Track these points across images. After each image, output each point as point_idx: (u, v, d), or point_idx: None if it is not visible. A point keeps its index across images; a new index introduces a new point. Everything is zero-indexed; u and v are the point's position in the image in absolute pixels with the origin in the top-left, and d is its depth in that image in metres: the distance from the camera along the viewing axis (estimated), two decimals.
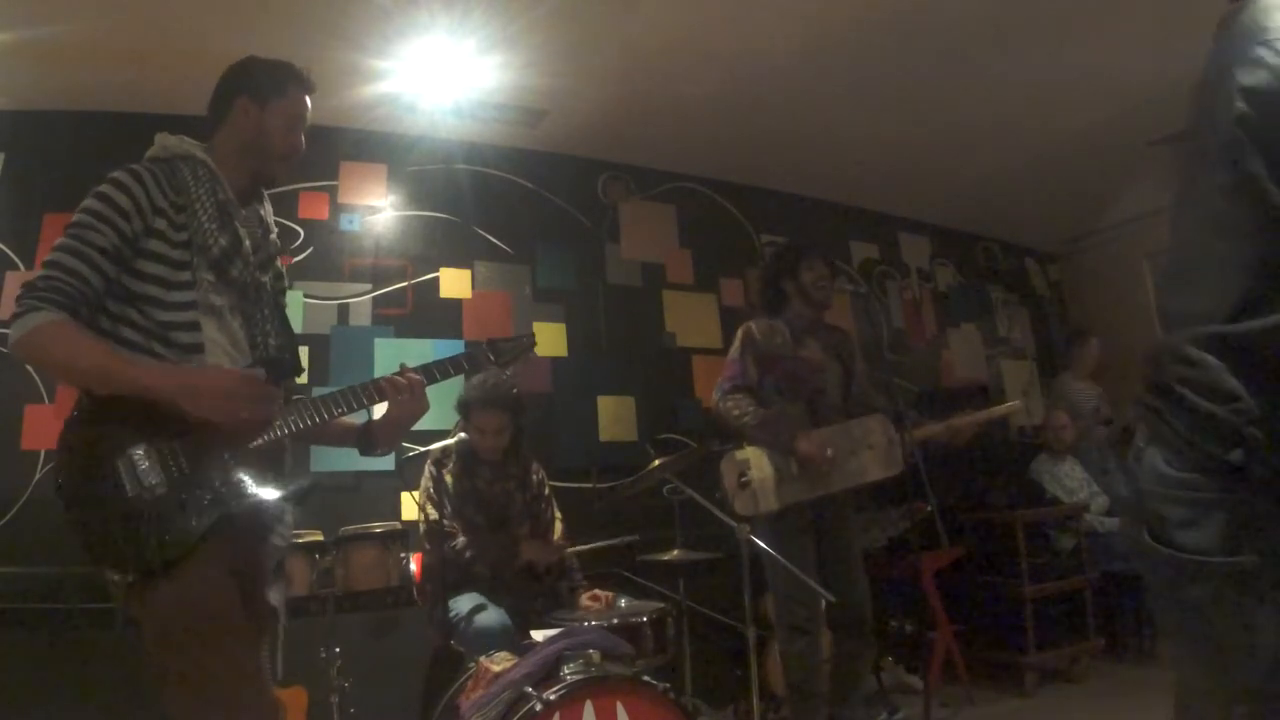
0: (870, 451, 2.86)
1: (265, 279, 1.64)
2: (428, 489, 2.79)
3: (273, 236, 1.69)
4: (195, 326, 1.48)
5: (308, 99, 1.68)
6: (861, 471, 2.84)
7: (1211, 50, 1.01)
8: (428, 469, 2.84)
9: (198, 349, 1.47)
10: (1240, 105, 0.91)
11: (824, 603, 2.69)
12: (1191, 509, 0.92)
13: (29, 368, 2.99)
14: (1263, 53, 0.89)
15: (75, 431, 1.39)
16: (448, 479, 2.81)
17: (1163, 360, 0.98)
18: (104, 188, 1.46)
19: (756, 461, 2.81)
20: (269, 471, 1.50)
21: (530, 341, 1.89)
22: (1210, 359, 0.91)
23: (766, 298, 3.08)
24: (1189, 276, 0.98)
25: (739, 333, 2.98)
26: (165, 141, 1.57)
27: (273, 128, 1.62)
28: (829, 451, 2.76)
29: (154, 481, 1.35)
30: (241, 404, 1.41)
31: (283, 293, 1.73)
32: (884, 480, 2.91)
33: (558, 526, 2.98)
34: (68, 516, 1.34)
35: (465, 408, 2.83)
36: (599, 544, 2.87)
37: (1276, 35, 0.89)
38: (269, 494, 1.48)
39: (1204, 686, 0.96)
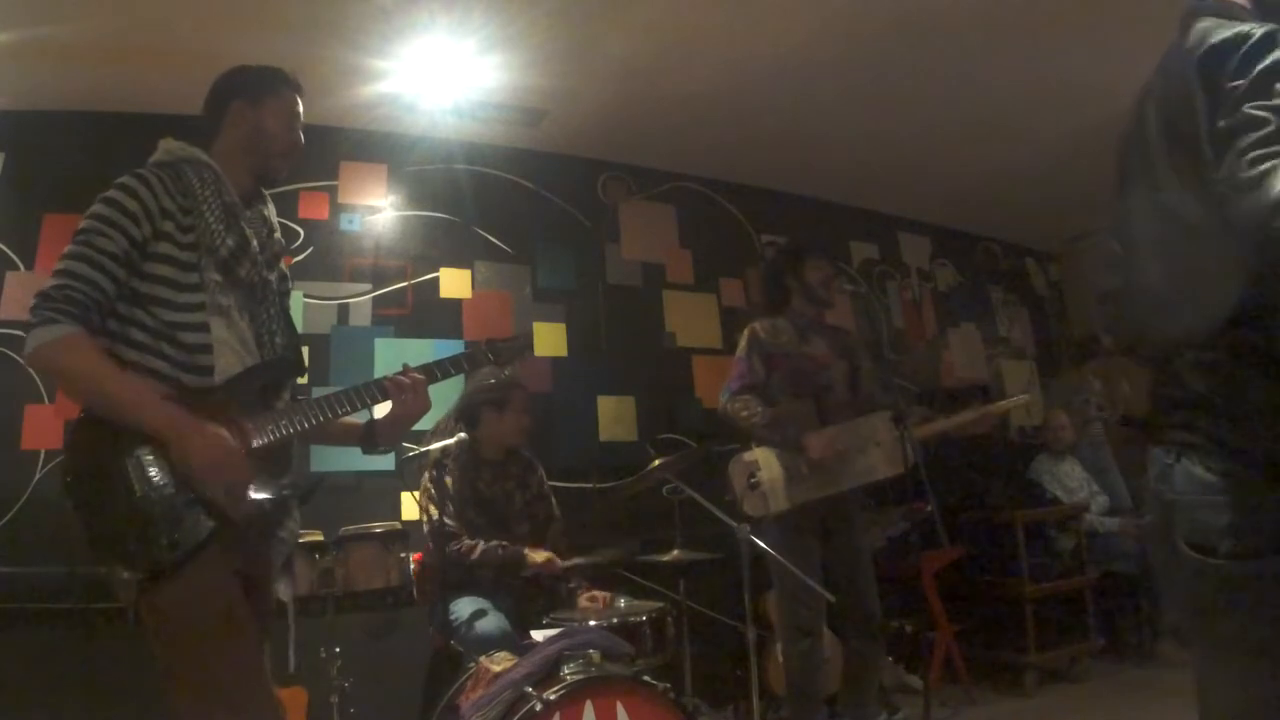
0: (878, 449, 2.84)
1: (271, 277, 1.65)
2: (429, 489, 2.79)
3: (277, 235, 1.71)
4: (204, 327, 1.48)
5: (298, 98, 1.70)
6: (870, 470, 2.83)
7: (1170, 59, 1.03)
8: (428, 470, 2.84)
9: (206, 349, 1.48)
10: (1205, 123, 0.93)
11: (825, 603, 2.69)
12: (1237, 511, 0.92)
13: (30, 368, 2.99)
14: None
15: (83, 431, 1.40)
16: (448, 480, 2.81)
17: (1184, 375, 0.99)
18: (111, 193, 1.46)
19: (766, 462, 2.80)
20: (275, 469, 1.51)
21: (527, 342, 1.93)
22: (1239, 363, 0.93)
23: (769, 295, 3.08)
24: (1191, 292, 0.99)
25: (744, 333, 2.97)
26: (169, 146, 1.59)
27: (270, 125, 1.64)
28: (838, 447, 2.75)
29: (162, 481, 1.36)
30: (222, 479, 1.40)
31: (287, 294, 1.75)
32: (889, 478, 2.91)
33: (555, 528, 2.97)
34: (76, 515, 1.35)
35: (499, 396, 2.86)
36: (597, 558, 2.86)
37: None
38: (275, 491, 1.49)
39: (1252, 697, 0.95)
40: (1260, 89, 0.90)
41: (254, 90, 1.64)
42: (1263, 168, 0.86)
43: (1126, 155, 1.10)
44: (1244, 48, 0.92)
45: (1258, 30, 0.92)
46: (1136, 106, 1.09)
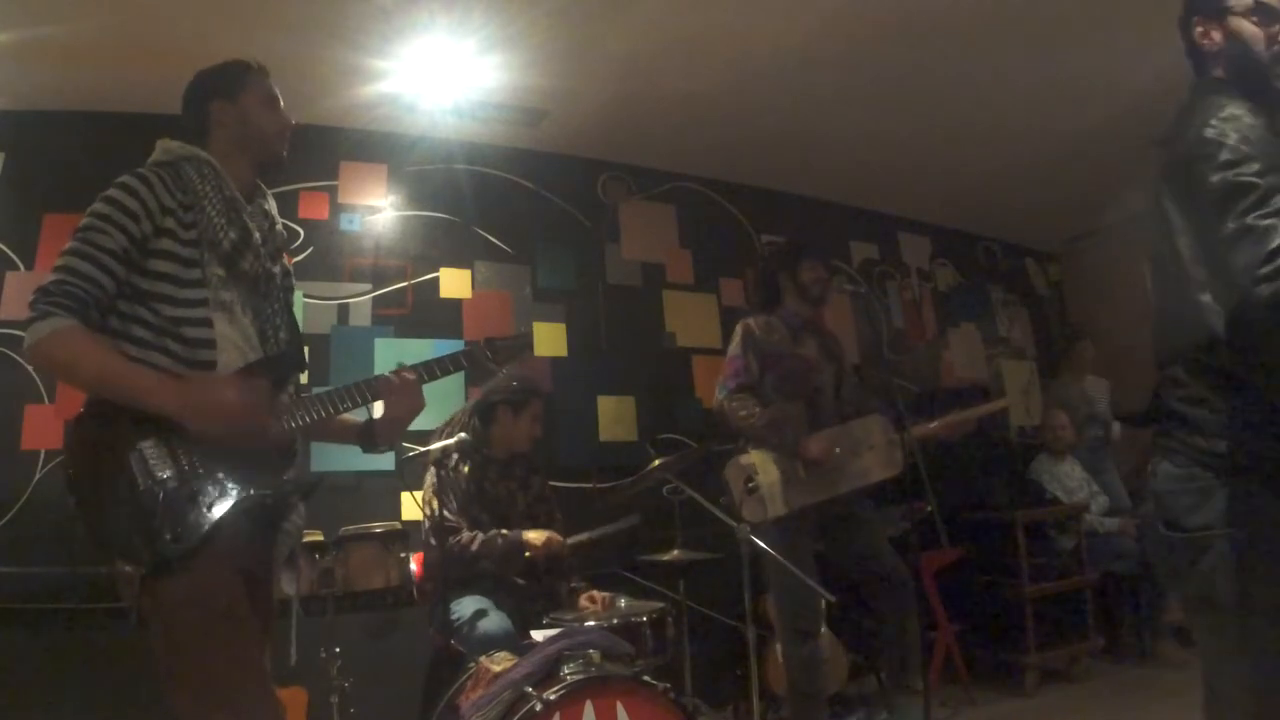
0: (872, 452, 2.84)
1: (275, 270, 1.66)
2: (434, 486, 2.79)
3: (279, 228, 1.72)
4: (206, 323, 1.49)
5: (269, 81, 1.71)
6: (865, 473, 2.82)
7: (1182, 123, 1.27)
8: (432, 468, 2.84)
9: (209, 344, 1.48)
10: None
11: (824, 603, 2.69)
12: (1196, 496, 1.20)
13: (29, 368, 2.99)
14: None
15: (85, 426, 1.40)
16: (454, 476, 2.81)
17: (1164, 389, 1.28)
18: (111, 192, 1.47)
19: (763, 466, 2.76)
20: (279, 463, 1.52)
21: (526, 341, 1.92)
22: (1197, 379, 1.22)
23: (762, 294, 3.06)
24: (1175, 321, 1.27)
25: (738, 329, 2.92)
26: (167, 146, 1.60)
27: (254, 113, 1.65)
28: (836, 450, 2.74)
29: (165, 475, 1.36)
30: (241, 420, 1.42)
31: (290, 289, 1.75)
32: (884, 480, 2.91)
33: (555, 529, 2.97)
34: (79, 511, 1.35)
35: (518, 398, 2.87)
36: (601, 530, 2.85)
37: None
38: (279, 486, 1.49)
39: (1224, 648, 1.22)
40: (1230, 163, 1.14)
41: (226, 87, 1.65)
42: (1265, 223, 1.09)
43: (1158, 194, 1.31)
44: (1214, 145, 1.17)
45: (1215, 121, 1.18)
46: (1165, 150, 1.31)
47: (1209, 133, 1.17)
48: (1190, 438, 1.21)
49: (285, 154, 1.71)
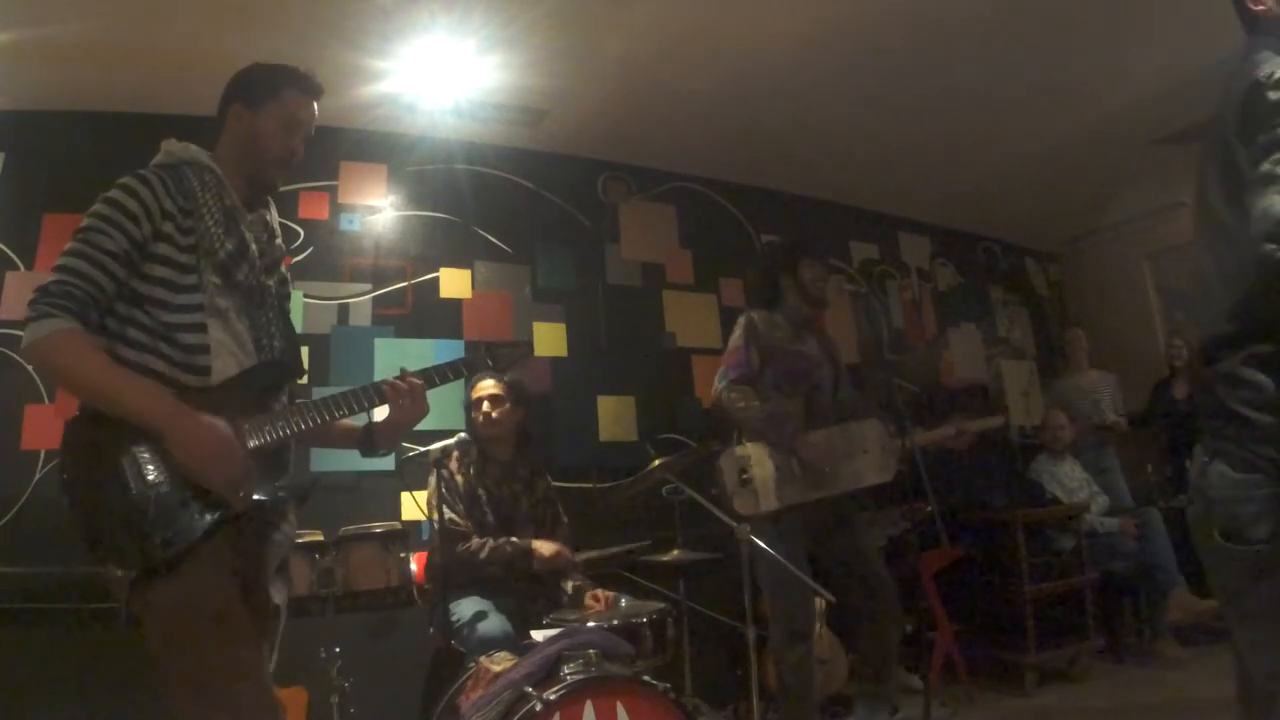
0: (866, 456, 2.85)
1: (270, 282, 1.65)
2: (437, 489, 2.78)
3: (278, 241, 1.70)
4: (201, 328, 1.48)
5: (313, 103, 1.67)
6: (858, 475, 2.83)
7: (1233, 80, 1.18)
8: (434, 470, 2.83)
9: (204, 350, 1.48)
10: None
11: (821, 603, 2.69)
12: (1261, 504, 1.09)
13: (30, 368, 2.99)
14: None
15: (80, 429, 1.40)
16: (457, 478, 2.81)
17: (1217, 386, 1.15)
18: (112, 193, 1.46)
19: (758, 459, 2.76)
20: (272, 469, 1.51)
21: (526, 349, 1.91)
22: (1263, 378, 1.09)
23: (762, 291, 3.04)
24: (1219, 291, 1.15)
25: (741, 321, 2.91)
26: (171, 148, 1.59)
27: (266, 132, 1.61)
28: (834, 452, 2.76)
29: (157, 479, 1.36)
30: (220, 470, 1.39)
31: (287, 297, 1.74)
32: (879, 483, 2.91)
33: (561, 532, 2.97)
34: (72, 513, 1.34)
35: (468, 399, 2.90)
36: (608, 551, 2.87)
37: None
38: (271, 492, 1.49)
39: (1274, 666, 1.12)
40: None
41: (254, 93, 1.62)
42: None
43: (1203, 160, 1.23)
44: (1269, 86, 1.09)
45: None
46: (1213, 119, 1.22)
47: (1262, 73, 1.10)
48: (1259, 446, 1.10)
49: (279, 181, 1.67)
